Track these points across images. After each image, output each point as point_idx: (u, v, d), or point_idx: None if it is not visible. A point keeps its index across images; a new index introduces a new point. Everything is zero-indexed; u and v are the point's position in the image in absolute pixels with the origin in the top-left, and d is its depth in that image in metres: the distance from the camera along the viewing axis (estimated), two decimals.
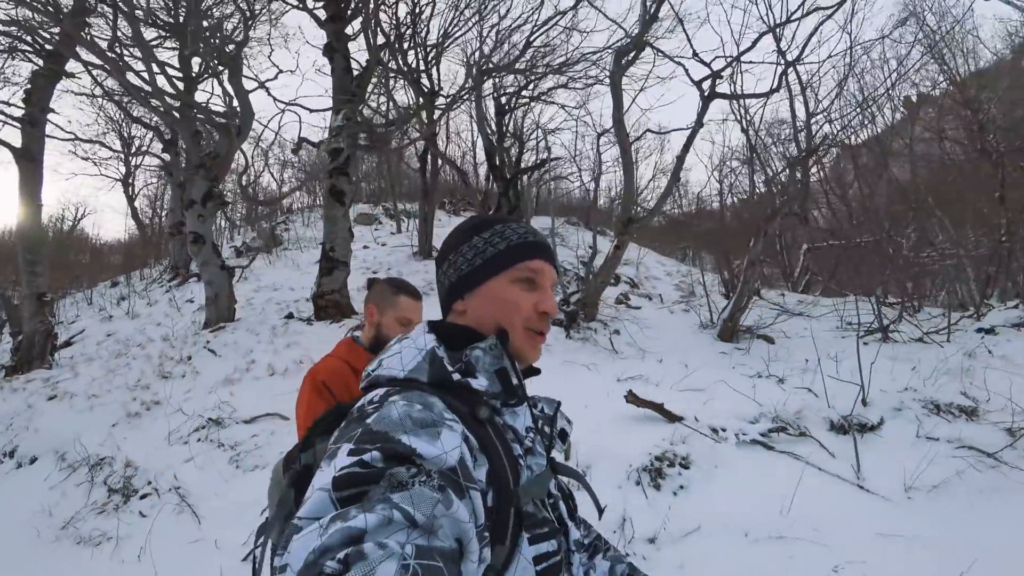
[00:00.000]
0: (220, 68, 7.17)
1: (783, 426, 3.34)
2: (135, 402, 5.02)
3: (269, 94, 7.95)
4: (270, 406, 4.54)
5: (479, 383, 0.72)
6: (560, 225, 11.46)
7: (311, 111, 8.72)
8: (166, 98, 5.98)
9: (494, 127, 9.72)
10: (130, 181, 15.18)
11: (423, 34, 9.53)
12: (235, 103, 7.08)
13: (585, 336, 5.34)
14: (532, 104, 10.28)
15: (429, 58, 9.79)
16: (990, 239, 8.39)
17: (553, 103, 10.05)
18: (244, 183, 9.97)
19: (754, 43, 5.33)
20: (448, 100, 9.12)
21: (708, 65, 5.31)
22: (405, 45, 9.09)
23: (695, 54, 5.27)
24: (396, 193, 14.54)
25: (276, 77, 8.29)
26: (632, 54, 5.55)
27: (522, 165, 10.38)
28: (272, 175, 18.54)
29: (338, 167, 6.65)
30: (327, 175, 6.77)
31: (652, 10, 5.25)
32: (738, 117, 5.80)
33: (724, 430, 3.22)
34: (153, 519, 3.42)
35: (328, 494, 0.52)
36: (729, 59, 5.39)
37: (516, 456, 0.72)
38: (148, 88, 5.66)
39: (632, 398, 3.44)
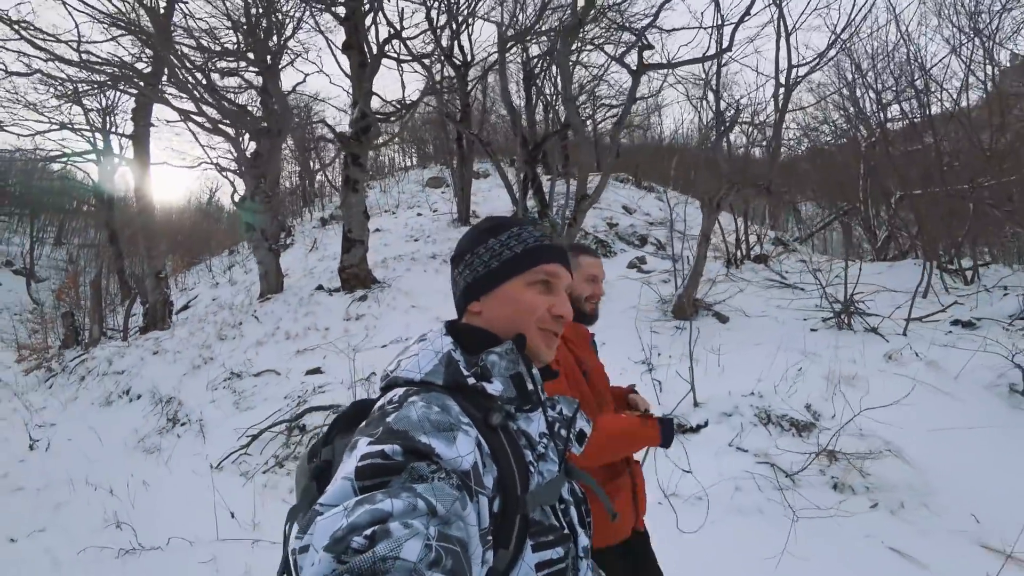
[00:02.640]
0: (260, 77, 8.99)
1: None
2: (199, 358, 7.21)
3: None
4: (275, 364, 6.34)
5: (494, 388, 0.77)
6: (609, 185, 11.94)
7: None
8: (208, 112, 7.91)
9: (523, 93, 10.51)
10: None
11: (456, 8, 10.50)
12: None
13: None
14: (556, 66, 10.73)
15: (461, 30, 10.79)
16: None
17: (578, 64, 10.44)
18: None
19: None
20: (462, 75, 10.05)
21: (638, 35, 5.56)
22: (437, 21, 10.19)
23: (622, 27, 5.57)
24: (453, 158, 15.89)
25: (304, 80, 9.82)
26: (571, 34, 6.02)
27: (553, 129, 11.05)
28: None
29: (352, 158, 8.17)
30: (343, 166, 8.33)
31: None
32: (707, 78, 5.96)
33: None
34: (181, 438, 5.40)
35: (351, 483, 0.58)
36: (655, 29, 5.61)
37: (527, 463, 0.77)
38: (195, 109, 7.60)
39: None
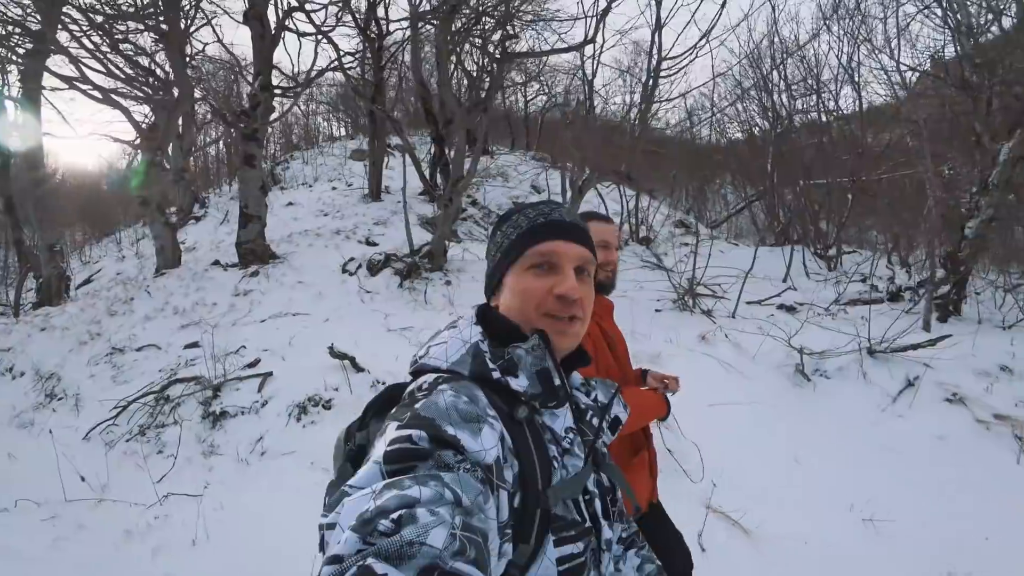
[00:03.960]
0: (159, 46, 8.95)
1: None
2: (86, 334, 7.39)
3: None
4: (158, 338, 6.63)
5: (519, 383, 0.80)
6: (521, 163, 12.45)
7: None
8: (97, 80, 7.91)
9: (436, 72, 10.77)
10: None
11: None
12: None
13: (415, 286, 6.82)
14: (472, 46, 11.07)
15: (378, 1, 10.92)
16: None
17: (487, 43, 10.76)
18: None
19: None
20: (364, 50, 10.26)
21: (503, 25, 6.03)
22: None
23: (483, 13, 6.01)
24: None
25: (203, 49, 9.81)
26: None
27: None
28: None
29: (248, 134, 8.35)
30: (241, 141, 8.51)
31: None
32: (581, 63, 6.47)
33: (385, 383, 4.61)
34: (56, 412, 5.68)
35: (379, 467, 0.61)
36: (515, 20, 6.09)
37: (551, 458, 0.79)
38: (77, 75, 7.60)
39: (331, 351, 4.96)
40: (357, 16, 10.79)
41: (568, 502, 0.80)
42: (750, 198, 13.31)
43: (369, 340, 5.40)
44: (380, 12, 11.11)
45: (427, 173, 10.63)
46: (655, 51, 6.50)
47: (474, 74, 11.40)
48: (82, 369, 6.38)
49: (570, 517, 0.79)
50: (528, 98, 16.55)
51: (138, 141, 8.60)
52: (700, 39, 6.57)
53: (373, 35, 10.94)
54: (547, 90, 15.85)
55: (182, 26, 9.49)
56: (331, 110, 19.77)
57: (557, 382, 0.82)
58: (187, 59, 10.00)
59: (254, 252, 8.39)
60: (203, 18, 10.47)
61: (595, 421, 0.95)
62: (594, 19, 6.14)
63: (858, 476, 3.72)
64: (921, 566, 2.92)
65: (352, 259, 7.56)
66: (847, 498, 3.44)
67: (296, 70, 11.16)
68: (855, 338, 4.67)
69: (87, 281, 11.25)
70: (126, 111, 8.35)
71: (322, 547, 0.57)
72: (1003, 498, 3.52)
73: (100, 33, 8.41)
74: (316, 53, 10.17)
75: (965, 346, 4.87)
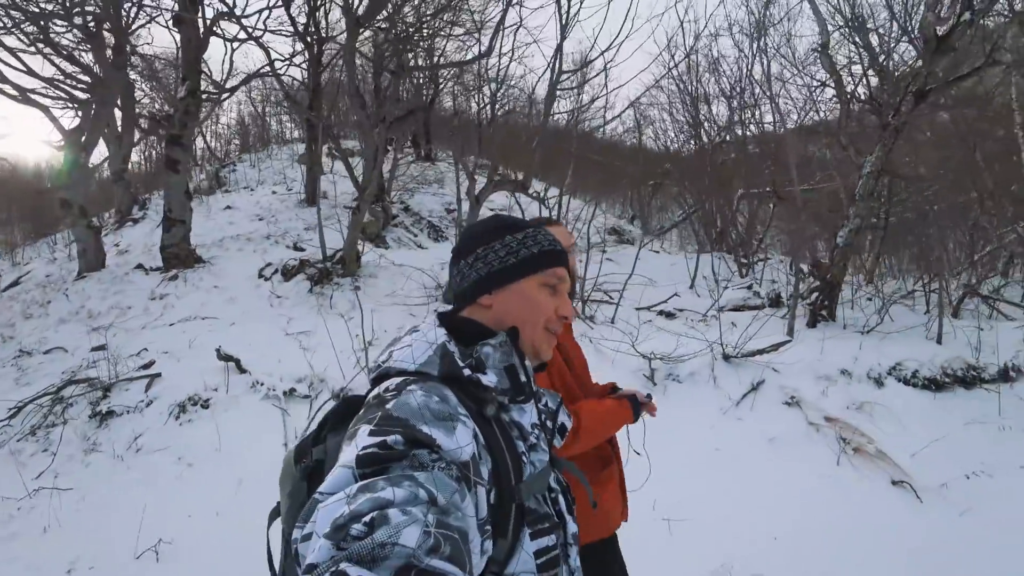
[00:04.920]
0: (86, 45, 9.15)
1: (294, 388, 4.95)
2: None
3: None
4: (69, 342, 6.86)
5: (489, 379, 0.84)
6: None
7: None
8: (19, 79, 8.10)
9: (370, 79, 11.14)
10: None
11: None
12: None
13: (323, 291, 7.18)
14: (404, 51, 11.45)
15: (318, 4, 11.22)
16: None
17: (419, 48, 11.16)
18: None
19: None
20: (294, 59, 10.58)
21: (398, 39, 6.44)
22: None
23: (381, 29, 6.41)
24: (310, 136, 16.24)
25: (133, 51, 10.01)
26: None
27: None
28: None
29: (172, 138, 8.61)
30: (165, 145, 8.75)
31: None
32: (478, 75, 6.94)
33: (263, 384, 4.86)
34: None
35: (351, 471, 0.62)
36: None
37: (520, 453, 0.85)
38: None
39: (218, 353, 5.29)
40: (296, 21, 11.06)
41: (538, 496, 0.86)
42: (689, 208, 13.90)
43: (263, 343, 5.74)
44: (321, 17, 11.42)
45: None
46: (557, 64, 6.96)
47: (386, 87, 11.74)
48: None
49: (541, 511, 0.84)
50: (480, 106, 16.90)
51: (60, 142, 8.76)
52: (590, 55, 7.05)
53: (312, 40, 11.24)
54: (501, 99, 16.28)
55: (122, 24, 9.70)
56: (285, 112, 19.92)
57: (523, 378, 0.88)
58: (126, 58, 10.19)
59: (177, 256, 8.64)
60: (144, 17, 10.68)
61: (548, 424, 1.03)
62: (491, 32, 6.59)
63: (676, 478, 4.06)
64: (692, 560, 3.27)
65: (269, 264, 7.87)
66: (653, 498, 3.82)
67: (223, 75, 11.34)
68: (707, 343, 5.14)
69: (15, 283, 11.27)
70: (46, 110, 8.53)
71: (298, 562, 0.57)
72: (815, 498, 3.86)
73: (27, 30, 8.58)
74: (232, 61, 10.39)
75: (815, 350, 5.40)
